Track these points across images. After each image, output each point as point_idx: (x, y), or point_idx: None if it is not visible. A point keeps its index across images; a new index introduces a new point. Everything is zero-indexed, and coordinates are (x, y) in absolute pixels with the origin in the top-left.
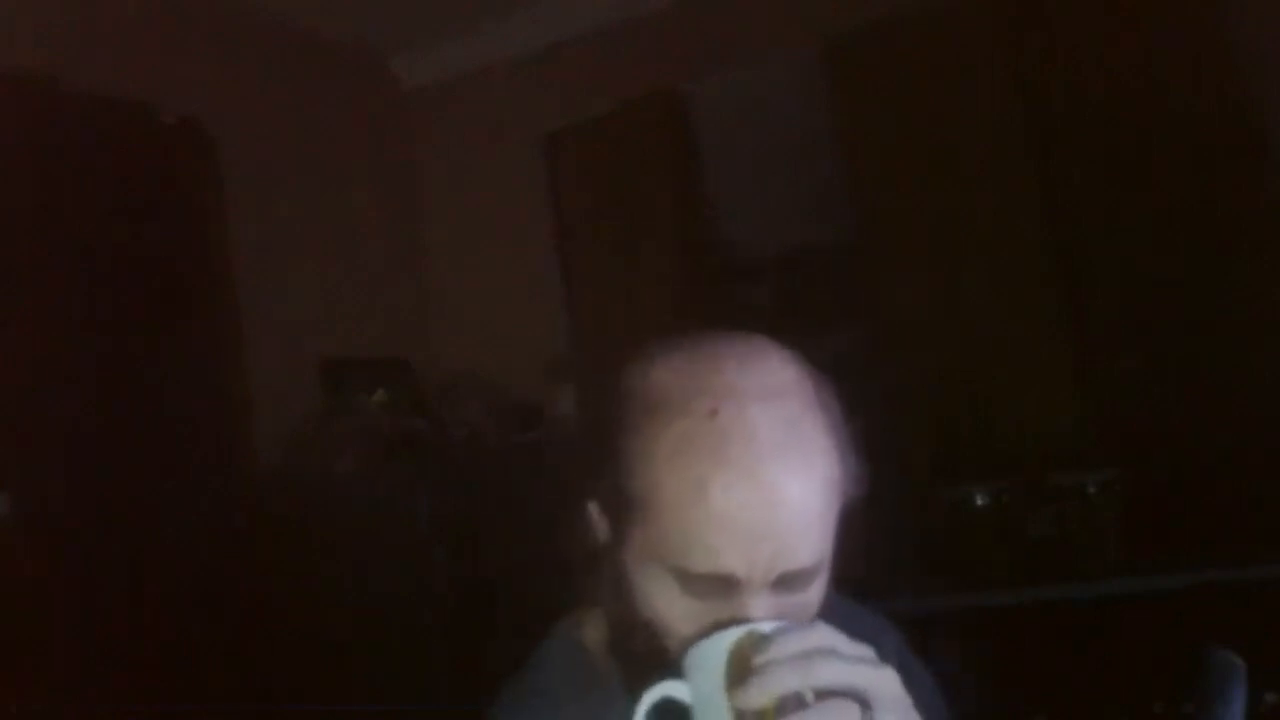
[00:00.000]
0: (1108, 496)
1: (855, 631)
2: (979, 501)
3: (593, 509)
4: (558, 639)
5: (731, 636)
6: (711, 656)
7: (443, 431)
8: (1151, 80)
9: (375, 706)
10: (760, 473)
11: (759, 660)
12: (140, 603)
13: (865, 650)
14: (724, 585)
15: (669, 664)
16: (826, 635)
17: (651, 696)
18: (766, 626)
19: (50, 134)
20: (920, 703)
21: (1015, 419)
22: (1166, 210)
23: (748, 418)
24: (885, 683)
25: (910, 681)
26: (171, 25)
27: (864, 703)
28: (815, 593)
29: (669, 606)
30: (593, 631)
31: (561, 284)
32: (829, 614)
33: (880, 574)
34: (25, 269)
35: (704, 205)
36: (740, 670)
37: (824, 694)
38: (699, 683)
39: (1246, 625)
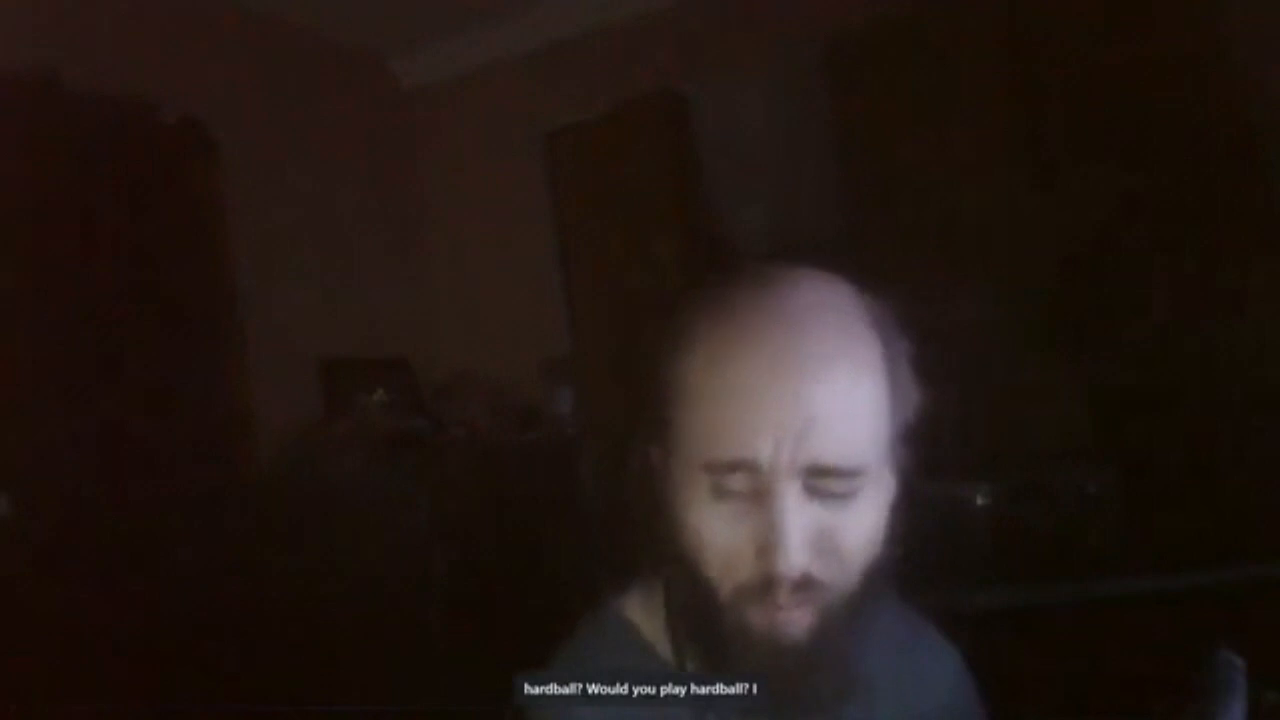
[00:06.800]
0: (1108, 496)
1: (910, 655)
2: (979, 501)
3: (654, 453)
4: (601, 613)
5: None
6: None
7: (443, 431)
8: (1152, 79)
9: (375, 706)
10: (787, 348)
11: None
12: (140, 603)
13: None
14: (751, 477)
15: (716, 626)
16: None
17: None
18: None
19: (50, 133)
20: None
21: (1016, 419)
22: (1168, 209)
23: (777, 301)
24: None
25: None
26: (171, 25)
27: None
28: (861, 520)
29: (701, 516)
30: (640, 604)
31: (561, 284)
32: (890, 628)
33: None
34: (25, 269)
35: (704, 205)
36: None
37: None
38: None
39: (1246, 625)
